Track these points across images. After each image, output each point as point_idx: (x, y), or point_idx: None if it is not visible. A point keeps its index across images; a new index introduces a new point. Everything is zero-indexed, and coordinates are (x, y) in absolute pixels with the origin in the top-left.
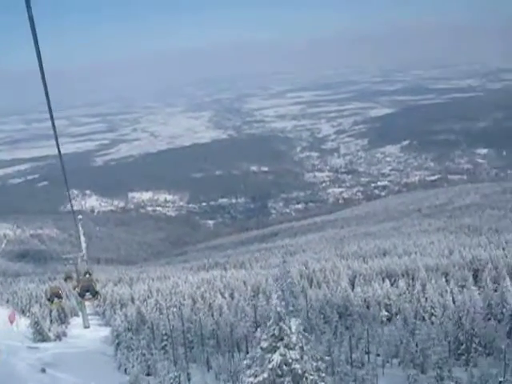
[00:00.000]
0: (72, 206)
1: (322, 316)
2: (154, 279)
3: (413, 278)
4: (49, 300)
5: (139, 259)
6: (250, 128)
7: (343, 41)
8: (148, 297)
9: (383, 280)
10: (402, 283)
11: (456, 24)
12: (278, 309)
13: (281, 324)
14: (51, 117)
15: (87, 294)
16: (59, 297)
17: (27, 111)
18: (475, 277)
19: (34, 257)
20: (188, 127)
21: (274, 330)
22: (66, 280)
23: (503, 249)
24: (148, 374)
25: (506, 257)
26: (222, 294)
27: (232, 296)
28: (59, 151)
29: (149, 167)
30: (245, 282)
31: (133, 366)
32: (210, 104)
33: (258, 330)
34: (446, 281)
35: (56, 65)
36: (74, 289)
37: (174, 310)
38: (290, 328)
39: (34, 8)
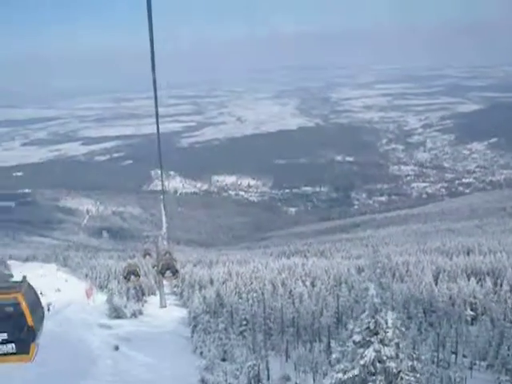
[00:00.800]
0: (163, 184)
1: (405, 311)
2: (234, 262)
3: (499, 278)
4: (125, 278)
5: (219, 242)
6: (336, 117)
7: (436, 33)
8: (227, 280)
9: (468, 278)
10: (488, 282)
11: None
12: (375, 300)
13: (377, 317)
14: (155, 99)
15: (167, 271)
16: (136, 275)
17: (117, 90)
18: None
19: (114, 234)
20: (275, 113)
21: (368, 322)
22: (144, 257)
23: None
24: (224, 360)
25: None
26: (304, 282)
27: (313, 284)
28: (158, 133)
29: (233, 151)
30: (326, 271)
31: (209, 350)
32: (297, 91)
33: (351, 321)
34: None
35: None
36: (154, 267)
37: (254, 295)
38: (386, 322)
39: None
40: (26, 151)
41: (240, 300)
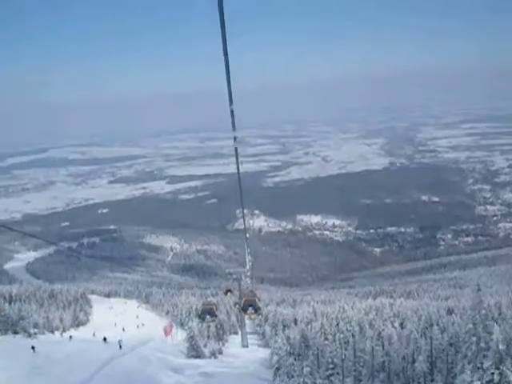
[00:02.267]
0: (244, 222)
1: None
2: (319, 302)
3: None
4: (200, 317)
5: (303, 282)
6: (422, 157)
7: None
8: (312, 320)
9: None
10: None
11: None
12: (500, 347)
13: (502, 367)
14: (234, 139)
15: (250, 308)
16: (212, 315)
17: (201, 130)
18: None
19: (198, 271)
20: (360, 153)
21: (492, 374)
22: (226, 294)
23: None
24: None
25: None
26: (392, 323)
27: (402, 326)
28: (238, 171)
29: (318, 191)
30: (416, 312)
31: None
32: (382, 131)
33: (467, 369)
34: None
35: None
36: (235, 305)
37: (341, 335)
38: None
39: None
40: (112, 189)
41: (326, 342)
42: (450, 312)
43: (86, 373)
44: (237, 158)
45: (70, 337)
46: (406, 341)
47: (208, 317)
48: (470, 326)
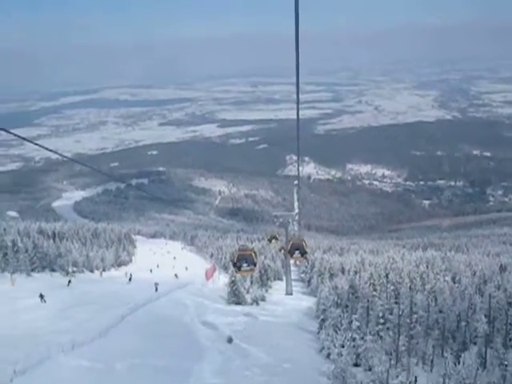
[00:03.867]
0: (298, 169)
1: None
2: (367, 252)
3: None
4: (235, 265)
5: (350, 231)
6: (475, 111)
7: None
8: (360, 270)
9: None
10: None
11: None
12: None
13: None
14: (297, 85)
15: (296, 252)
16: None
17: (253, 74)
18: None
19: (245, 216)
20: (413, 104)
21: None
22: (270, 240)
23: None
24: (356, 365)
25: None
26: (444, 277)
27: (454, 281)
28: (298, 118)
29: (369, 141)
30: (469, 267)
31: (340, 354)
32: (436, 83)
33: None
34: None
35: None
36: (281, 249)
37: (392, 288)
38: None
39: None
40: (162, 131)
41: (375, 293)
42: (503, 269)
43: (113, 317)
44: (297, 105)
45: (130, 278)
46: (461, 297)
47: (245, 265)
48: None
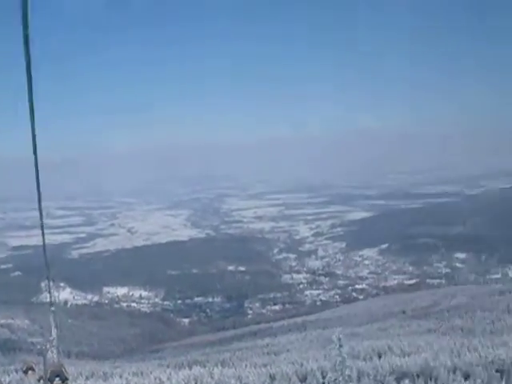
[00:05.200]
0: (50, 295)
1: None
2: (131, 374)
3: (431, 378)
4: (25, 372)
5: (112, 355)
6: (228, 228)
7: (321, 144)
8: None
9: (397, 381)
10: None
11: (435, 132)
12: None
13: None
14: (40, 208)
15: (57, 379)
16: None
17: (3, 200)
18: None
19: (1, 346)
20: (166, 224)
21: None
22: (26, 372)
23: None
24: None
25: None
26: None
27: None
28: (44, 243)
29: (125, 263)
30: (239, 380)
31: None
32: (188, 202)
33: None
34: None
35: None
36: (39, 379)
37: None
38: None
39: None
40: None
41: None
42: (272, 378)
43: None
44: (43, 231)
45: None
46: None
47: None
48: None
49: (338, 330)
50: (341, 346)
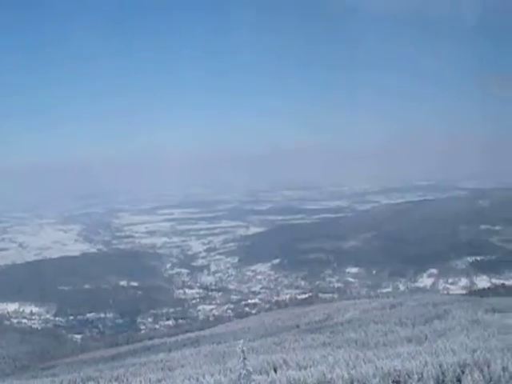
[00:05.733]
0: None
1: None
2: None
3: None
4: None
5: (2, 373)
6: (119, 243)
7: (213, 159)
8: None
9: None
10: None
11: (325, 148)
12: None
13: None
14: None
15: None
16: None
17: None
18: None
19: None
20: (57, 239)
21: None
22: None
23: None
24: None
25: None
26: None
27: None
28: None
29: (15, 278)
30: None
31: None
32: (80, 217)
33: None
34: None
35: None
36: None
37: None
38: None
39: None
40: None
41: None
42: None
43: None
44: None
45: None
46: None
47: None
48: None
49: (241, 342)
50: (245, 358)
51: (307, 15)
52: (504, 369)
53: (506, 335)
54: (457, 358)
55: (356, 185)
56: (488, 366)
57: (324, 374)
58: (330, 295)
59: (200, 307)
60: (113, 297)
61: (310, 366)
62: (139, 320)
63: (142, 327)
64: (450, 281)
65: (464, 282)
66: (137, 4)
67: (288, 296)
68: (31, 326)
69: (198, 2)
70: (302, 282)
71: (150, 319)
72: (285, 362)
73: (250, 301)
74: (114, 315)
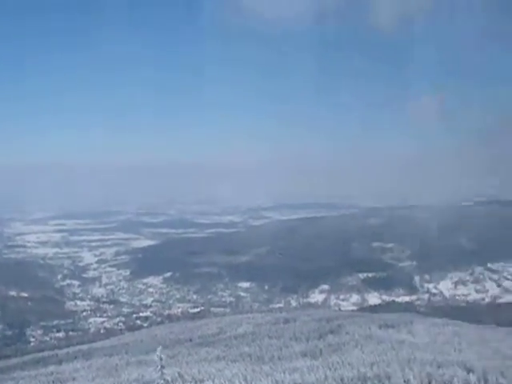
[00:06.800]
0: None
1: None
2: None
3: None
4: None
5: None
6: (10, 252)
7: (109, 171)
8: None
9: None
10: None
11: (222, 163)
12: None
13: None
14: None
15: None
16: None
17: None
18: None
19: None
20: None
21: None
22: None
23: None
24: None
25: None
26: None
27: None
28: None
29: None
30: None
31: None
32: None
33: None
34: None
35: None
36: None
37: None
38: None
39: None
40: None
41: None
42: None
43: None
44: None
45: None
46: None
47: None
48: None
49: (159, 349)
50: (163, 367)
51: None
52: (406, 382)
53: (399, 350)
54: (356, 371)
55: (250, 200)
56: (389, 379)
57: None
58: (222, 309)
59: (91, 319)
60: (1, 307)
61: (207, 380)
62: (29, 332)
63: (32, 339)
64: (342, 297)
65: (355, 298)
66: None
67: (180, 309)
68: None
69: None
70: (194, 296)
71: (39, 331)
72: (180, 375)
73: (141, 314)
74: (2, 326)
